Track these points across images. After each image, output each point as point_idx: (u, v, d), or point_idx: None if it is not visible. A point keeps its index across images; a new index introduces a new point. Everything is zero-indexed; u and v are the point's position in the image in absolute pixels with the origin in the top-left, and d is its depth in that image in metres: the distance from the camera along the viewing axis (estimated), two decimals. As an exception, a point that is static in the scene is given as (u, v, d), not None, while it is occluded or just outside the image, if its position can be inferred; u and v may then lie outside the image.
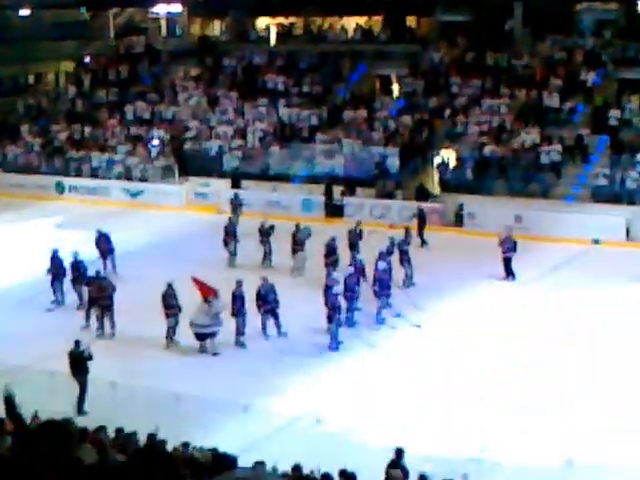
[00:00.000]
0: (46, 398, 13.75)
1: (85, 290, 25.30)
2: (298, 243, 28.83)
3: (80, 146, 43.96)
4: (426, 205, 34.85)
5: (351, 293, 23.81)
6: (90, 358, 19.83)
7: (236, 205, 34.22)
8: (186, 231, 34.27)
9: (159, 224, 35.34)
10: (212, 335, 22.44)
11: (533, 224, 32.23)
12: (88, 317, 24.46)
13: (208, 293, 22.64)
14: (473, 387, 20.09)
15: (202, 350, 22.44)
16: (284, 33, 51.01)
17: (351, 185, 37.50)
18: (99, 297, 24.10)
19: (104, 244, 29.08)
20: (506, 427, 18.18)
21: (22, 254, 31.18)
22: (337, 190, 36.97)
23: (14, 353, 21.92)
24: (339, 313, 22.92)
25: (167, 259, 29.52)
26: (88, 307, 24.57)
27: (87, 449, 9.99)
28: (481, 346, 22.52)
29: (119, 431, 14.10)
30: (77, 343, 19.98)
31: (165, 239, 33.19)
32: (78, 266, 26.22)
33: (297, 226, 29.26)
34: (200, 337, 22.41)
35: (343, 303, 23.46)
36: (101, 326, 23.94)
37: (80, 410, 19.26)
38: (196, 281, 23.16)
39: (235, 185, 38.68)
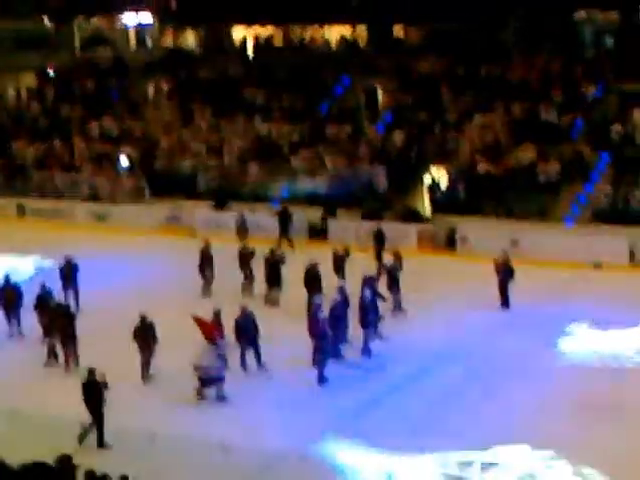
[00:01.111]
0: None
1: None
2: (274, 270, 28.63)
3: (43, 165, 44.08)
4: (417, 228, 35.15)
5: (337, 323, 23.52)
6: (106, 387, 19.55)
7: (243, 229, 34.21)
8: (158, 256, 34.25)
9: (129, 249, 35.19)
10: (219, 380, 21.48)
11: (530, 248, 32.35)
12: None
13: (213, 333, 21.89)
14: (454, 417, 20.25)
15: (201, 397, 21.50)
16: (262, 44, 51.30)
17: (332, 206, 37.53)
18: (61, 327, 23.81)
19: (69, 272, 28.58)
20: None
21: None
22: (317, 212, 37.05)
23: None
24: (327, 342, 22.81)
25: (137, 287, 29.51)
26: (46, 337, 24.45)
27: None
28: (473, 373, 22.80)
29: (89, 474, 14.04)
30: (91, 372, 19.64)
31: (135, 265, 33.11)
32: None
33: (272, 252, 29.33)
34: (206, 382, 21.39)
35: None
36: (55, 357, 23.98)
37: (101, 443, 19.22)
38: (197, 320, 22.32)
39: (220, 206, 38.61)
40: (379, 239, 32.33)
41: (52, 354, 24.19)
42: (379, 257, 31.32)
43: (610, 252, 32.35)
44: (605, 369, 23.33)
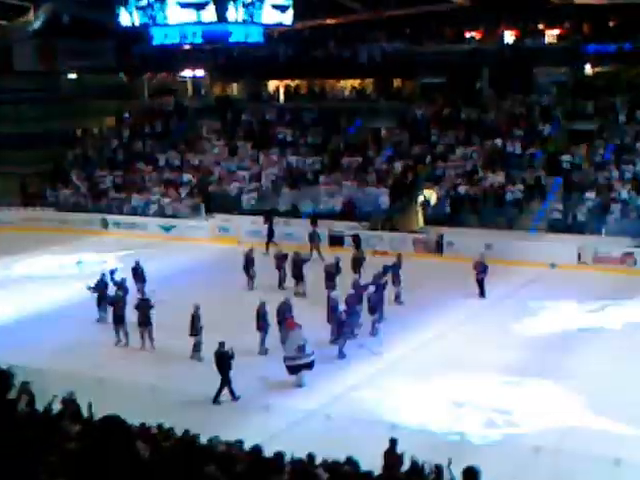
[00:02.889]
0: (98, 402, 13.80)
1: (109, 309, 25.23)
2: (298, 268, 28.72)
3: (121, 189, 44.33)
4: (413, 236, 35.27)
5: (351, 311, 23.62)
6: (233, 357, 19.82)
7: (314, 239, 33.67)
8: (211, 260, 34.48)
9: (188, 254, 35.37)
10: (306, 367, 20.51)
11: (501, 251, 32.31)
12: (118, 333, 24.38)
13: (293, 326, 21.20)
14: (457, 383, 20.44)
15: (298, 384, 20.51)
16: (291, 93, 51.46)
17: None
18: (142, 315, 23.90)
19: (139, 273, 28.84)
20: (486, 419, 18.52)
21: (71, 278, 31.19)
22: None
23: (63, 362, 21.66)
24: (344, 327, 22.93)
25: (195, 283, 29.54)
26: (116, 324, 24.49)
27: (140, 444, 10.18)
28: (460, 349, 22.91)
29: (159, 427, 14.21)
30: (222, 344, 19.93)
31: (193, 267, 33.24)
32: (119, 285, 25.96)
33: (296, 254, 29.23)
34: (292, 370, 20.47)
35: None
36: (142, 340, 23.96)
37: (216, 400, 19.67)
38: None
39: (268, 220, 37.28)
40: (313, 238, 33.12)
41: (124, 337, 24.28)
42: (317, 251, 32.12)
43: (562, 255, 32.43)
44: (557, 339, 23.77)
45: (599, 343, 23.53)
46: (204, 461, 10.45)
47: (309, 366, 20.56)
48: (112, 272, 27.20)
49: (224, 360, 19.92)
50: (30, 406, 12.02)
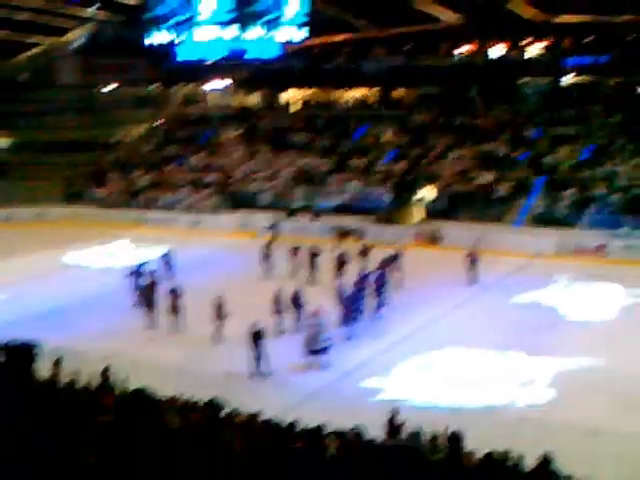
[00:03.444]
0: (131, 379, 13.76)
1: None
2: (312, 259, 28.63)
3: (153, 188, 44.38)
4: (413, 229, 35.17)
5: (357, 296, 23.37)
6: (264, 335, 19.78)
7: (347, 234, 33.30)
8: (232, 251, 34.36)
9: (212, 246, 35.31)
10: (323, 350, 20.07)
11: (490, 242, 32.06)
12: (150, 318, 24.12)
13: (316, 313, 20.53)
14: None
15: (316, 366, 19.99)
16: (303, 102, 51.38)
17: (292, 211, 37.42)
18: (172, 301, 23.78)
19: (168, 263, 28.88)
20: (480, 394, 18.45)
21: (110, 267, 31.38)
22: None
23: (101, 344, 21.47)
24: (352, 310, 22.77)
25: (218, 272, 29.55)
26: (148, 309, 24.22)
27: (172, 414, 10.16)
28: (455, 329, 22.82)
29: (186, 401, 14.15)
30: (254, 325, 19.86)
31: (216, 258, 33.24)
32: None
33: (311, 246, 29.11)
34: (312, 353, 20.03)
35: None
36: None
37: (252, 374, 19.47)
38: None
39: (290, 215, 38.03)
40: (274, 229, 33.35)
41: (155, 321, 24.08)
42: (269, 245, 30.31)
43: (544, 246, 32.28)
44: (541, 320, 23.52)
45: (580, 325, 23.37)
46: (225, 430, 10.42)
47: (325, 350, 20.26)
48: (144, 263, 27.18)
49: (258, 338, 19.81)
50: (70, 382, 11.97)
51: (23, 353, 10.04)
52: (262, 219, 37.76)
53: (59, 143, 48.11)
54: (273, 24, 35.12)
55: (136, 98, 54.68)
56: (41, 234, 38.47)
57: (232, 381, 19.41)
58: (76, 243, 36.34)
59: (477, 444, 10.72)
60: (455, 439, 10.85)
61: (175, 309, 23.63)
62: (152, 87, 56.26)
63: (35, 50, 54.76)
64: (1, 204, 42.95)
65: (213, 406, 13.11)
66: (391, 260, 27.09)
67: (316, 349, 19.99)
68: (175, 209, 42.08)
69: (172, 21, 35.46)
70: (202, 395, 14.32)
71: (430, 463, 10.20)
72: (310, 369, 20.19)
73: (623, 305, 25.10)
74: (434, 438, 12.40)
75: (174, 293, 23.85)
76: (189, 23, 34.73)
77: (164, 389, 13.33)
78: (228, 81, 52.36)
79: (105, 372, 14.78)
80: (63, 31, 53.18)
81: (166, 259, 28.75)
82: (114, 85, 54.08)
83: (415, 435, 12.86)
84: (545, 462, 10.37)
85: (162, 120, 53.06)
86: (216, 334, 22.53)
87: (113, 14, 50.54)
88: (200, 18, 33.88)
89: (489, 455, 10.12)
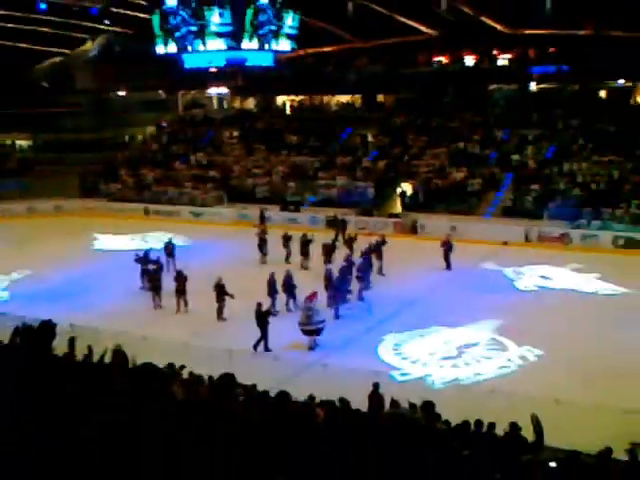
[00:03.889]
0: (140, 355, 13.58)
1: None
2: (304, 246, 28.44)
3: (160, 183, 44.10)
4: (393, 220, 35.01)
5: (344, 280, 23.39)
6: (269, 314, 19.78)
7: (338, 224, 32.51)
8: (232, 240, 34.05)
9: (214, 235, 35.05)
10: (317, 332, 19.67)
11: (464, 231, 32.21)
12: (155, 299, 24.02)
13: (312, 297, 19.99)
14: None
15: (310, 347, 19.63)
16: (296, 106, 51.17)
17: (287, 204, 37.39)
18: (180, 284, 23.64)
19: (172, 248, 28.61)
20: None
21: (120, 253, 31.07)
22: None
23: (113, 322, 20.99)
24: (340, 292, 22.72)
25: (219, 259, 29.39)
26: (154, 292, 24.06)
27: (177, 388, 10.02)
28: (431, 310, 22.74)
29: (191, 374, 14.00)
30: (259, 305, 19.81)
31: (217, 246, 33.02)
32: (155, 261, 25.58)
33: (304, 235, 28.97)
34: (307, 333, 19.61)
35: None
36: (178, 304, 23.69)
37: (267, 349, 19.46)
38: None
39: (286, 208, 37.99)
40: (343, 225, 32.08)
41: (160, 302, 23.96)
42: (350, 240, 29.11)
43: (512, 235, 32.26)
44: (511, 302, 23.43)
45: (543, 307, 23.31)
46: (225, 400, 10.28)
47: (318, 332, 19.97)
48: (149, 250, 27.12)
49: (262, 318, 19.70)
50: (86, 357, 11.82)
51: (40, 334, 9.89)
52: (258, 211, 37.53)
53: (76, 143, 47.87)
54: (268, 36, 34.90)
55: (145, 102, 54.33)
56: (59, 224, 38.40)
57: (231, 356, 19.27)
58: (90, 232, 36.14)
59: (450, 414, 10.65)
60: (428, 406, 10.76)
61: (180, 291, 23.52)
62: (160, 92, 55.89)
63: (55, 59, 54.42)
64: (24, 197, 42.84)
65: (224, 380, 12.94)
66: (374, 248, 26.98)
67: (311, 330, 19.76)
68: (180, 202, 41.78)
69: (179, 33, 35.11)
70: (205, 370, 14.20)
71: (417, 429, 10.08)
72: (302, 345, 20.10)
73: (582, 289, 25.07)
74: (412, 407, 12.33)
75: (179, 277, 23.74)
76: (195, 35, 34.46)
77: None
78: (228, 87, 52.05)
79: (118, 348, 14.57)
80: (80, 42, 52.87)
81: (170, 246, 28.57)
82: (125, 91, 53.67)
83: (396, 405, 12.78)
84: (513, 429, 10.33)
85: (168, 122, 52.65)
86: (219, 314, 22.46)
87: (124, 27, 50.12)
88: (205, 31, 33.63)
89: (466, 422, 10.06)
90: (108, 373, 10.50)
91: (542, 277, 26.49)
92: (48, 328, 10.05)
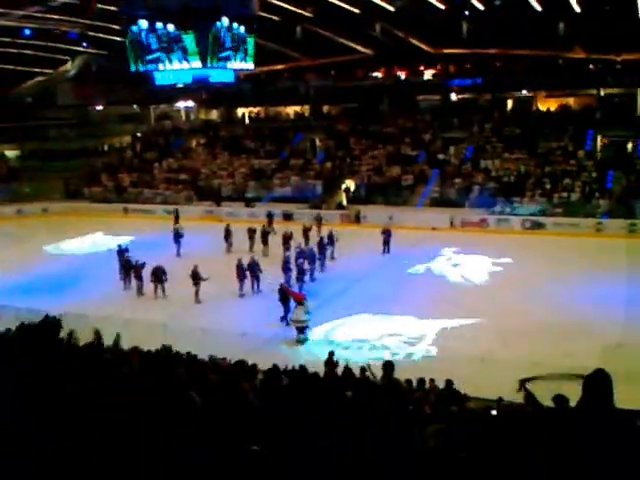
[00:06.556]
0: (124, 335, 13.27)
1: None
2: (264, 237, 28.29)
3: (136, 186, 43.28)
4: (340, 212, 35.06)
5: (299, 264, 23.15)
6: (287, 292, 19.53)
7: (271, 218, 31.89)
8: (201, 233, 33.44)
9: (187, 229, 33.86)
10: (307, 328, 18.78)
11: (400, 220, 32.41)
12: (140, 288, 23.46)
13: (300, 298, 19.07)
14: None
15: (299, 340, 18.50)
16: (253, 116, 50.76)
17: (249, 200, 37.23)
18: (158, 274, 23.08)
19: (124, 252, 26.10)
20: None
21: (100, 249, 30.40)
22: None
23: (100, 309, 20.39)
24: (297, 274, 22.64)
25: (191, 249, 28.85)
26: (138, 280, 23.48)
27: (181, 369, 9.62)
28: (376, 288, 22.80)
29: (169, 350, 13.67)
30: (282, 284, 19.81)
31: (189, 238, 32.11)
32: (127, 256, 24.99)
33: (264, 226, 29.00)
34: (300, 330, 18.67)
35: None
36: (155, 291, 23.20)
37: (287, 324, 19.18)
38: (287, 290, 20.01)
39: (247, 204, 37.80)
40: (318, 220, 31.94)
41: (140, 289, 23.43)
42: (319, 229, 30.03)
43: (440, 221, 32.56)
44: (442, 278, 23.63)
45: (467, 282, 23.55)
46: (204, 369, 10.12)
47: (305, 329, 19.13)
48: (128, 244, 26.68)
49: (283, 295, 19.56)
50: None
51: (44, 330, 9.51)
52: (223, 208, 37.31)
53: (59, 151, 46.69)
54: (229, 57, 34.53)
55: (121, 115, 53.25)
56: (46, 225, 37.36)
57: (205, 334, 19.05)
58: (74, 231, 35.19)
59: (404, 374, 10.69)
60: (389, 365, 10.72)
61: (157, 279, 23.07)
62: (134, 106, 54.82)
63: (39, 78, 52.88)
64: (13, 201, 41.63)
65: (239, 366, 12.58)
66: (325, 237, 26.90)
67: (302, 326, 18.94)
68: (154, 202, 41.09)
69: (150, 55, 34.38)
70: (182, 347, 14.00)
71: (369, 384, 10.06)
72: (264, 322, 19.90)
73: (498, 267, 25.30)
74: (363, 369, 12.36)
75: (158, 269, 23.25)
76: (164, 55, 33.77)
77: (151, 343, 13.00)
78: (194, 101, 51.34)
79: (98, 331, 14.11)
80: (62, 63, 51.42)
81: (120, 251, 26.66)
82: (103, 105, 52.44)
83: (348, 370, 12.78)
84: (448, 384, 10.44)
85: (142, 132, 51.63)
86: (195, 296, 22.20)
87: (100, 49, 48.87)
88: (175, 51, 32.99)
89: (421, 380, 10.08)
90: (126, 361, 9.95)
91: (467, 256, 26.75)
92: (53, 324, 9.68)
